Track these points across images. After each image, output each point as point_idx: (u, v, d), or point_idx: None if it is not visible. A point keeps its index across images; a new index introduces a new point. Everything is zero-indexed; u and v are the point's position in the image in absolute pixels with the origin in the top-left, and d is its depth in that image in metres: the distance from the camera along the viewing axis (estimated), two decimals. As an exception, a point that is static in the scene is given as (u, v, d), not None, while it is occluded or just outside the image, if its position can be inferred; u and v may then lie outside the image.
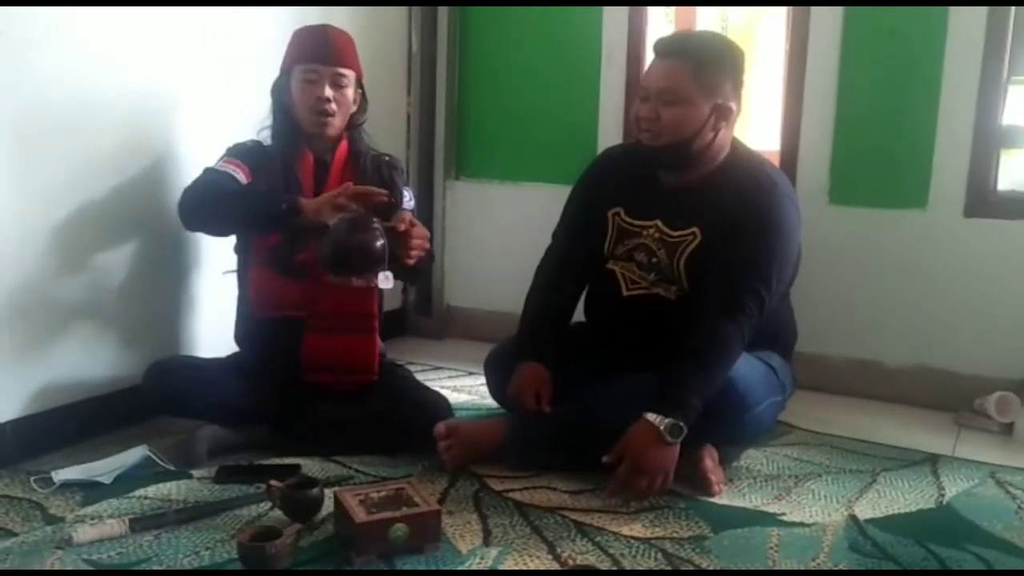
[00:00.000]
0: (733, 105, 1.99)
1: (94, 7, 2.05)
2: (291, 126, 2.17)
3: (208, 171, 2.11)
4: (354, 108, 2.20)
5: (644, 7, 2.94)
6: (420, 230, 2.03)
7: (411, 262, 2.02)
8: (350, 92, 2.17)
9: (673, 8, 3.17)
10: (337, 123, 2.16)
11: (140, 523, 1.70)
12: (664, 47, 2.01)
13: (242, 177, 2.10)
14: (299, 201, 2.02)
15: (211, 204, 2.04)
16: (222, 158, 2.15)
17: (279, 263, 2.10)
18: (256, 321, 2.17)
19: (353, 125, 2.23)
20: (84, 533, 1.65)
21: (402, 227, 1.97)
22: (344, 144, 2.21)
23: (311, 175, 2.17)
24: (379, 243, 1.91)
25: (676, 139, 1.97)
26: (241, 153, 2.16)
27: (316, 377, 2.14)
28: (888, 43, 2.61)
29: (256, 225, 2.09)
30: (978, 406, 2.50)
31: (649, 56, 2.87)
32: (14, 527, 1.71)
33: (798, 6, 2.73)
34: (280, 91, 2.18)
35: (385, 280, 1.95)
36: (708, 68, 1.95)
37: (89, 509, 1.79)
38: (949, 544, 1.75)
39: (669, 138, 1.97)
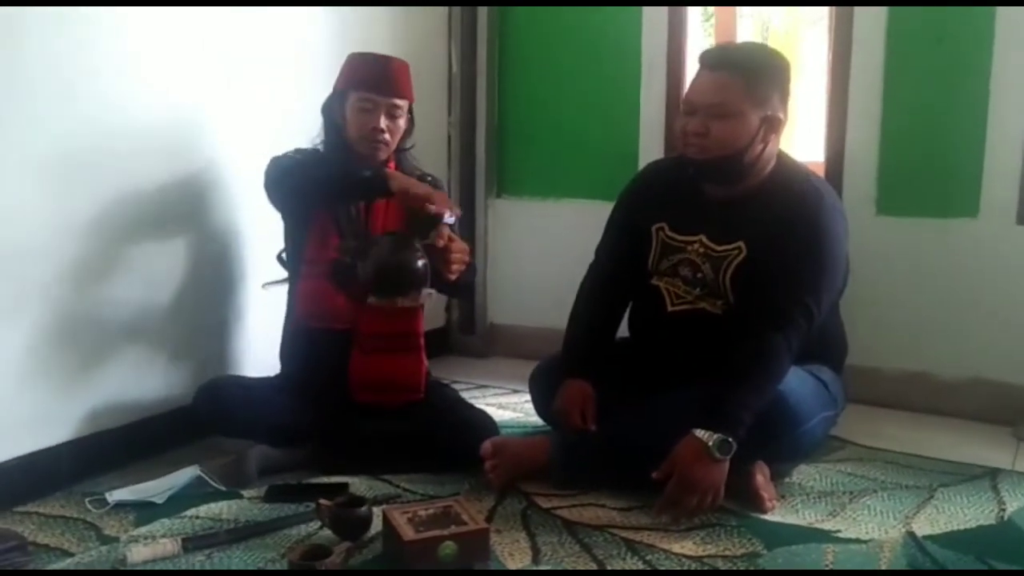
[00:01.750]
0: (781, 116, 1.97)
1: (136, 28, 2.09)
2: (342, 145, 2.19)
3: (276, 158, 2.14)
4: (403, 132, 2.22)
5: (684, 7, 2.92)
6: (459, 244, 2.05)
7: (453, 277, 2.03)
8: (402, 121, 2.19)
9: (713, 9, 3.15)
10: (388, 149, 2.18)
11: (192, 542, 1.72)
12: (712, 59, 1.99)
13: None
14: (385, 171, 2.04)
15: (301, 168, 2.07)
16: (275, 161, 2.15)
17: (341, 281, 2.10)
18: (302, 333, 2.18)
19: (400, 149, 2.25)
20: (138, 553, 1.67)
21: (441, 243, 1.98)
22: (391, 166, 2.22)
23: (362, 205, 2.18)
24: (421, 262, 1.93)
25: (725, 153, 1.95)
26: (306, 154, 2.18)
27: (363, 396, 2.16)
28: (934, 49, 2.57)
29: (342, 189, 2.08)
30: (1037, 419, 2.44)
31: (690, 68, 2.89)
32: (70, 547, 1.73)
33: (840, 6, 2.70)
34: (332, 111, 2.19)
35: (428, 298, 1.97)
36: (757, 80, 1.94)
37: (143, 529, 1.81)
38: (1012, 561, 1.69)
39: (718, 152, 1.96)
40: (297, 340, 2.22)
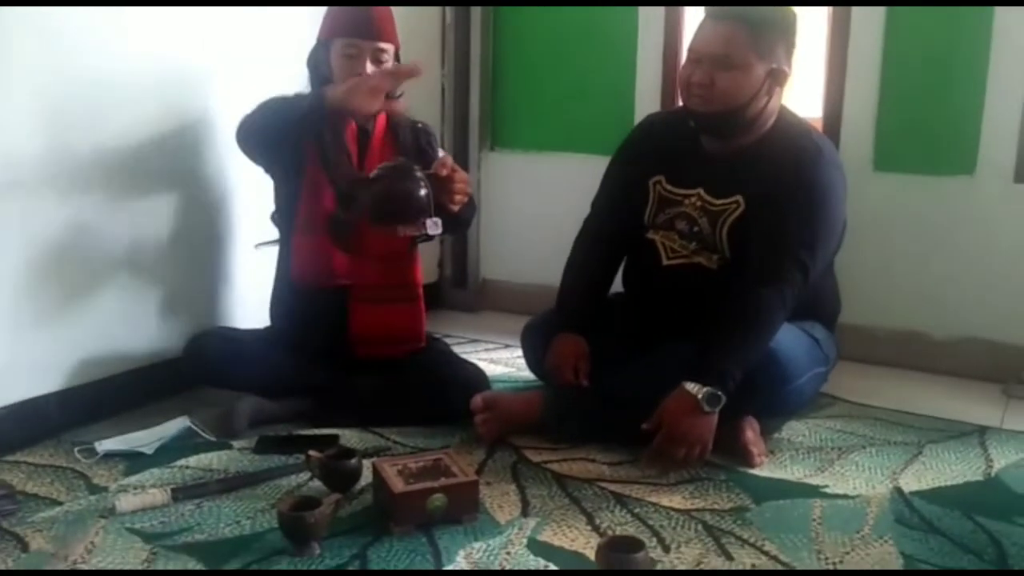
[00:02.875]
0: (787, 68, 1.94)
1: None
2: None
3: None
4: None
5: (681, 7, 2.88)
6: (462, 175, 2.01)
7: (455, 208, 2.00)
8: (389, 66, 2.14)
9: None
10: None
11: (182, 492, 1.72)
12: (719, 11, 1.95)
13: None
14: (323, 93, 1.99)
15: (259, 110, 2.04)
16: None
17: (338, 234, 2.09)
18: (300, 292, 2.16)
19: (390, 96, 2.20)
20: (127, 502, 1.67)
21: (444, 172, 1.95)
22: (383, 115, 2.19)
23: (355, 142, 2.16)
24: (423, 191, 1.90)
25: (730, 105, 1.93)
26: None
27: (364, 350, 2.15)
28: (935, 7, 2.53)
29: (291, 125, 2.03)
30: (1027, 377, 2.45)
31: (689, 21, 2.84)
32: (59, 496, 1.73)
33: (837, 6, 2.66)
34: (318, 62, 2.16)
35: (434, 226, 1.92)
36: (764, 31, 1.90)
37: (132, 479, 1.81)
38: (998, 517, 1.71)
39: (722, 104, 1.93)
40: (292, 299, 2.19)
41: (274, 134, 2.06)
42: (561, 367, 2.08)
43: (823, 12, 2.72)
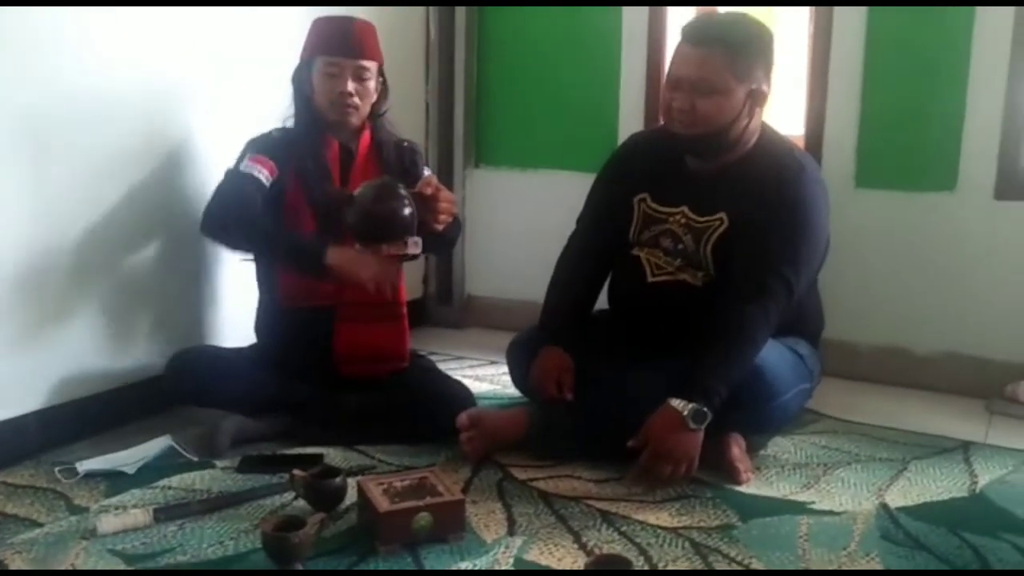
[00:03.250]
0: (766, 88, 1.96)
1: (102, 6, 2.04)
2: (313, 115, 2.15)
3: (230, 176, 2.08)
4: (375, 97, 2.17)
5: (665, 7, 2.89)
6: (447, 194, 2.01)
7: (439, 227, 2.00)
8: (372, 84, 2.14)
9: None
10: (360, 114, 2.14)
11: (164, 513, 1.70)
12: (695, 34, 1.95)
13: (266, 176, 2.07)
14: (325, 262, 1.95)
15: (236, 235, 2.04)
16: (245, 153, 2.12)
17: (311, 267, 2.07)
18: (284, 311, 2.15)
19: (375, 114, 2.20)
20: (108, 523, 1.65)
21: (429, 191, 1.95)
22: (367, 133, 2.19)
23: (337, 162, 2.15)
24: (407, 209, 1.90)
25: (711, 128, 1.94)
26: (265, 146, 2.12)
27: (349, 369, 2.13)
28: (914, 22, 2.56)
29: (278, 261, 2.09)
30: (1010, 392, 2.46)
31: (671, 39, 2.86)
32: (39, 517, 1.71)
33: (819, 6, 2.68)
34: (301, 80, 2.15)
35: (414, 246, 1.92)
36: (742, 54, 1.91)
37: (113, 499, 1.79)
38: (983, 532, 1.71)
39: (704, 127, 1.94)
40: (277, 318, 2.17)
41: (255, 254, 2.10)
42: (544, 381, 2.08)
43: (804, 30, 2.75)
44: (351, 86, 2.09)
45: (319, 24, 2.15)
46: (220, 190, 2.07)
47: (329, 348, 2.12)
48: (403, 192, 1.91)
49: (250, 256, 2.18)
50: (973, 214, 2.55)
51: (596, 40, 2.98)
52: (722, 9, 3.00)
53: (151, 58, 2.16)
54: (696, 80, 1.91)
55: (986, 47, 2.48)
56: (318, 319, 2.11)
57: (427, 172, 2.22)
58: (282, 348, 2.15)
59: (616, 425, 1.88)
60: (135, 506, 1.75)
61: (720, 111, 1.92)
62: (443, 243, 2.18)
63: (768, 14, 3.87)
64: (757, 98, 1.95)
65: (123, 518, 1.67)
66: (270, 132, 2.16)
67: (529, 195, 3.13)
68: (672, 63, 2.00)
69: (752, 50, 1.94)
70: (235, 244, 2.08)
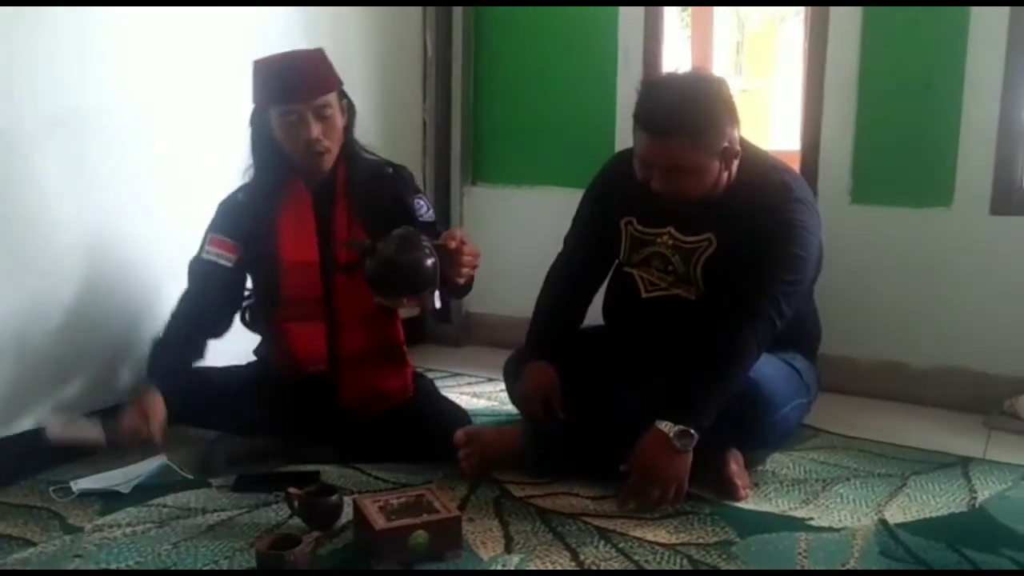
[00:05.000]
0: (736, 136, 1.93)
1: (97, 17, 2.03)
2: (280, 159, 2.02)
3: (192, 266, 2.05)
4: (343, 123, 2.03)
5: (660, 7, 2.91)
6: (471, 248, 1.90)
7: (461, 281, 1.91)
8: (336, 116, 1.99)
9: (689, 8, 3.15)
10: (333, 153, 2.02)
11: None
12: (652, 124, 1.88)
13: (227, 258, 2.03)
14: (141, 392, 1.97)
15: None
16: (209, 232, 2.06)
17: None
18: (286, 376, 2.09)
19: (347, 139, 2.07)
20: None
21: (452, 245, 1.85)
22: (342, 170, 2.06)
23: (310, 218, 2.05)
24: (430, 262, 1.80)
25: (693, 195, 1.94)
26: (226, 223, 2.06)
27: (358, 412, 2.09)
28: (908, 39, 2.57)
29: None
30: (1008, 407, 2.45)
31: (667, 57, 2.87)
32: (33, 537, 1.70)
33: (815, 6, 2.69)
34: (260, 125, 2.01)
35: (436, 300, 1.84)
36: (704, 130, 1.87)
37: (108, 518, 1.78)
38: (983, 548, 1.70)
39: (689, 196, 1.93)
40: (278, 381, 2.11)
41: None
42: (531, 400, 2.08)
43: (799, 47, 2.77)
44: (316, 130, 1.95)
45: (263, 69, 1.97)
46: (188, 283, 2.07)
47: (332, 400, 2.08)
48: (426, 243, 1.82)
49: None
50: (969, 229, 2.55)
51: (592, 57, 2.99)
52: (717, 39, 3.00)
53: (132, 83, 2.14)
54: (667, 167, 1.89)
55: (980, 63, 2.49)
56: (316, 382, 2.06)
57: (421, 204, 2.11)
58: (285, 408, 2.08)
59: (609, 445, 1.88)
60: (129, 525, 1.74)
61: (699, 183, 1.92)
62: (460, 292, 2.06)
63: (765, 31, 3.91)
64: (730, 154, 1.93)
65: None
66: (236, 194, 2.08)
67: (526, 212, 3.13)
68: (638, 147, 1.94)
69: (714, 118, 1.88)
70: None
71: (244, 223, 2.06)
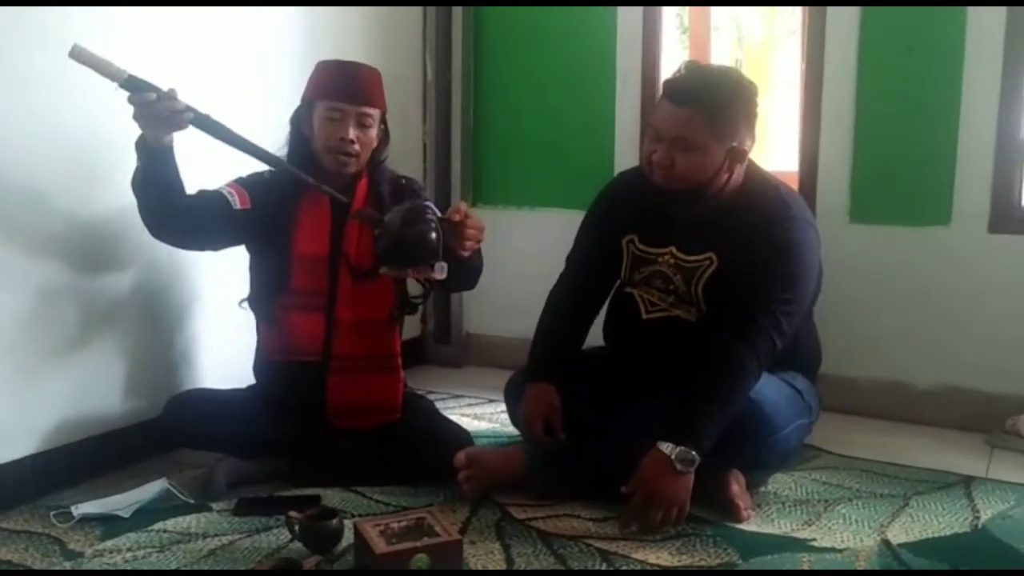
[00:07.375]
0: (748, 144, 1.95)
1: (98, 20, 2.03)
2: (308, 160, 2.08)
3: (201, 190, 2.05)
4: (376, 144, 2.13)
5: (659, 7, 2.92)
6: (475, 220, 1.95)
7: (466, 254, 1.95)
8: (374, 131, 2.09)
9: (688, 23, 3.17)
10: (358, 162, 2.09)
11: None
12: (676, 92, 1.93)
13: (236, 202, 2.04)
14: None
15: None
16: (228, 182, 2.10)
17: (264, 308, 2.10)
18: (273, 364, 2.13)
19: (374, 162, 2.15)
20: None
21: (457, 217, 1.90)
22: (364, 183, 2.13)
23: (327, 217, 2.10)
24: (434, 234, 1.86)
25: (691, 183, 1.94)
26: (251, 182, 2.10)
27: (340, 422, 2.10)
28: (905, 59, 2.59)
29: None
30: (1010, 426, 2.44)
31: (664, 72, 2.89)
32: (33, 563, 1.70)
33: (812, 6, 2.71)
34: (300, 122, 2.11)
35: (440, 271, 1.88)
36: (722, 115, 1.90)
37: (108, 543, 1.78)
38: (986, 568, 1.69)
39: (683, 183, 1.94)
40: (268, 370, 2.15)
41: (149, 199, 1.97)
42: (531, 422, 2.07)
43: (797, 67, 2.78)
44: (352, 132, 2.04)
45: (323, 67, 2.10)
46: None
47: (321, 402, 2.09)
48: (431, 216, 1.88)
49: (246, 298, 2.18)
50: (968, 248, 2.56)
51: (591, 79, 3.01)
52: (715, 53, 3.04)
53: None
54: (676, 137, 1.91)
55: (977, 81, 2.50)
56: (308, 372, 2.08)
57: (461, 205, 2.12)
58: (274, 400, 2.11)
59: (611, 466, 1.88)
60: (130, 550, 1.74)
61: (699, 169, 1.93)
62: (468, 271, 2.08)
63: (764, 53, 3.93)
64: (737, 155, 1.94)
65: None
66: (263, 172, 2.13)
67: (527, 234, 3.14)
68: (654, 115, 2.00)
69: (733, 109, 1.92)
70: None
71: (265, 197, 2.08)
